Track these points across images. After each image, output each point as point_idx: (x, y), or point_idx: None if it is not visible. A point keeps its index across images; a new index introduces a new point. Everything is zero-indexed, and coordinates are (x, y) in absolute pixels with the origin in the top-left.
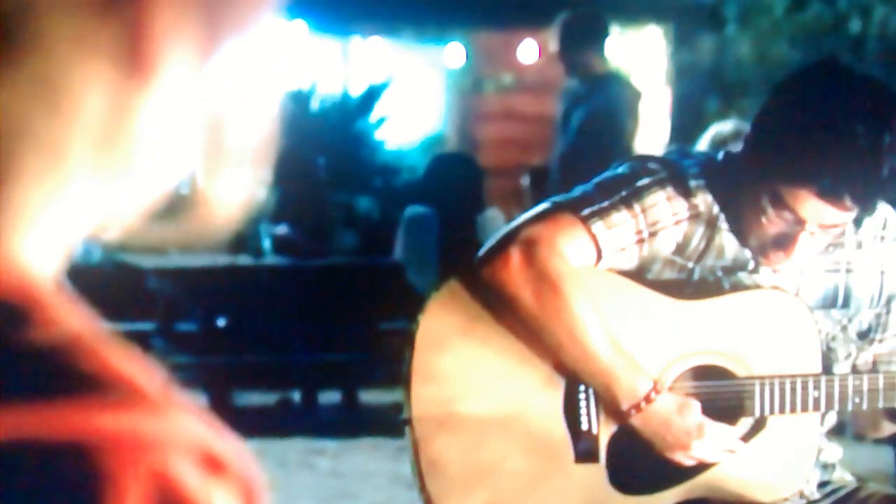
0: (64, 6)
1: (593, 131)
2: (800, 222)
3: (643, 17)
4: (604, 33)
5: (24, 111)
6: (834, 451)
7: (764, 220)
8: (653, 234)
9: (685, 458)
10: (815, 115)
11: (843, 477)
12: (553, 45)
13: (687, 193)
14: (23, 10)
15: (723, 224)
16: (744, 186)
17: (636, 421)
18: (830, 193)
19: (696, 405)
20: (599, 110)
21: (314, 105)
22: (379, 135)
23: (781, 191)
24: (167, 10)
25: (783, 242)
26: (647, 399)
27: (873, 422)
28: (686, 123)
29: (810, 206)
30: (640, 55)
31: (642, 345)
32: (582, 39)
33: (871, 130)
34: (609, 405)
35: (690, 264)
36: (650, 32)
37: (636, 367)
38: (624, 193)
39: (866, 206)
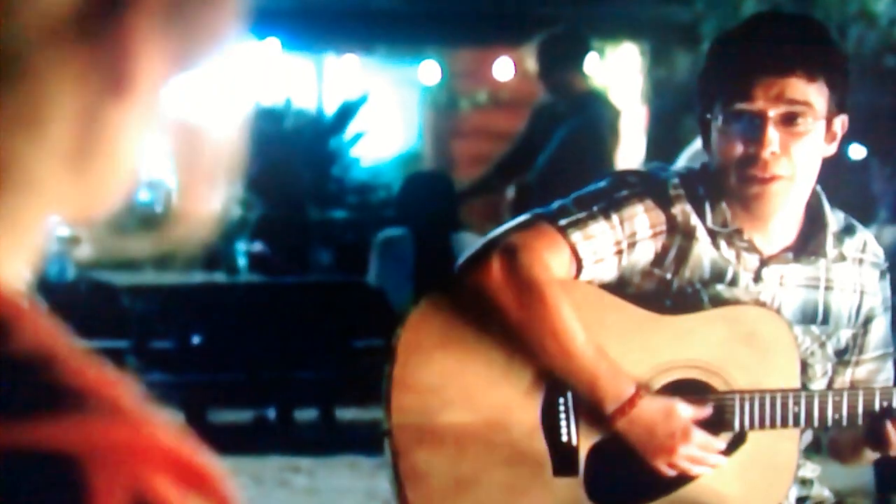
0: (45, 29)
1: (575, 150)
2: (760, 113)
3: (620, 34)
4: (583, 52)
5: (4, 133)
6: (812, 468)
7: (730, 146)
8: (631, 245)
9: (669, 466)
10: (749, 21)
11: (822, 493)
12: (532, 65)
13: (665, 205)
14: (5, 38)
15: (700, 234)
16: (703, 120)
17: (621, 426)
18: (775, 63)
19: (681, 408)
20: (581, 129)
21: (288, 122)
22: (354, 152)
23: (734, 93)
24: (145, 29)
25: (754, 138)
26: (632, 402)
27: (854, 448)
28: (663, 141)
29: (762, 89)
30: (616, 73)
31: (622, 358)
32: (561, 59)
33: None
34: (593, 410)
35: (669, 276)
36: (627, 50)
37: (620, 372)
38: (602, 205)
39: (812, 73)
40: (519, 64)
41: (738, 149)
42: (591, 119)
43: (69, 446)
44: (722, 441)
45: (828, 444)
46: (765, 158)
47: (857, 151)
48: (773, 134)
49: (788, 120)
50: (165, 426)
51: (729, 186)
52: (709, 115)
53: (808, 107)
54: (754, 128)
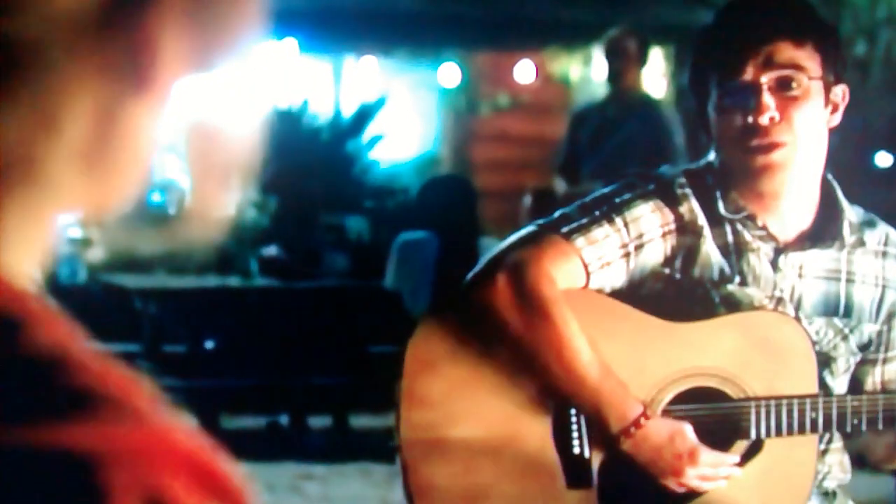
0: (65, 24)
1: (638, 152)
2: (753, 82)
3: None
4: (647, 53)
5: (22, 131)
6: (838, 478)
7: (729, 123)
8: (639, 248)
9: (678, 485)
10: (728, 4)
11: None
12: (600, 59)
13: (672, 203)
14: (28, 34)
15: (707, 233)
16: (700, 110)
17: (627, 446)
18: (760, 32)
19: (688, 430)
20: (645, 131)
21: (305, 124)
22: (371, 155)
23: (724, 71)
24: (165, 26)
25: (750, 108)
26: (637, 424)
27: (890, 454)
28: (688, 144)
29: (751, 59)
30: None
31: (635, 368)
32: (632, 56)
33: None
34: (599, 430)
35: (678, 276)
36: (652, 54)
37: (625, 392)
38: (605, 209)
39: (799, 38)
40: (540, 67)
41: (737, 122)
42: (654, 123)
43: (86, 448)
44: (734, 455)
45: (857, 451)
46: (764, 125)
47: (885, 159)
48: (768, 100)
49: (782, 85)
50: (183, 429)
51: (735, 168)
52: (705, 96)
53: (799, 69)
54: (749, 97)
